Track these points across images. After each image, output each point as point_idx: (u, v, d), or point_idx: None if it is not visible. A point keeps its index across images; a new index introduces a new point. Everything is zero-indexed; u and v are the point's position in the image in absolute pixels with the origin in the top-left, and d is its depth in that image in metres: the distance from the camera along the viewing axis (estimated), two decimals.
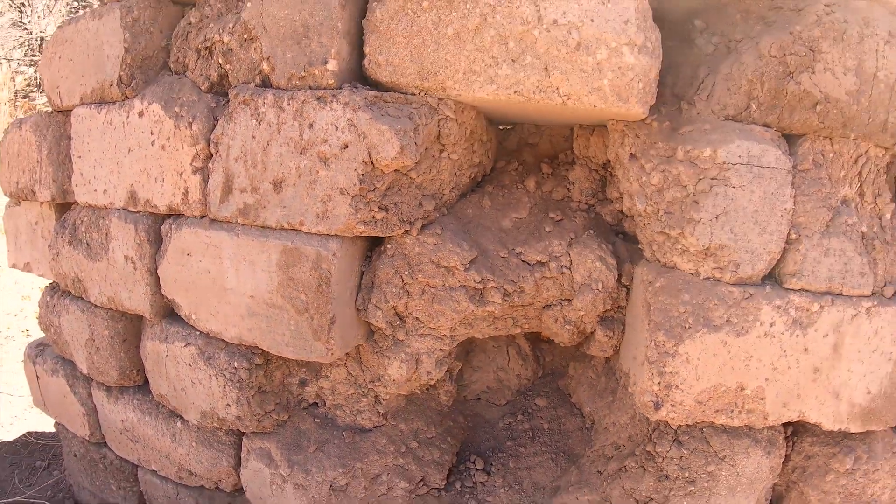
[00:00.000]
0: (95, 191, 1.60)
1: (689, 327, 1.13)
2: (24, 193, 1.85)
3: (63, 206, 1.81)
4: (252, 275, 1.25)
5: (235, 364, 1.31)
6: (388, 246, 1.23)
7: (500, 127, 1.56)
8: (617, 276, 1.30)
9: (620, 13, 0.96)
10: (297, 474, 1.35)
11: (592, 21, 1.00)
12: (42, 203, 1.85)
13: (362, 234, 1.17)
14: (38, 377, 1.92)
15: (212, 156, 1.33)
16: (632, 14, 0.96)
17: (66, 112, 1.72)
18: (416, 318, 1.27)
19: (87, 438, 1.79)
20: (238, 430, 1.41)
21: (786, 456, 1.36)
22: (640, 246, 1.28)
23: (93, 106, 1.59)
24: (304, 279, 1.18)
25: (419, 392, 1.46)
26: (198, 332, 1.40)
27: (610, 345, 1.37)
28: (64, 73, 1.68)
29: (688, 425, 1.30)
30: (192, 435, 1.48)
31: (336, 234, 1.17)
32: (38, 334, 3.56)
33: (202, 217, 1.36)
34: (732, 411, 1.24)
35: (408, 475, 1.40)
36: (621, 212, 1.37)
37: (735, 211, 1.09)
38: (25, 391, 2.98)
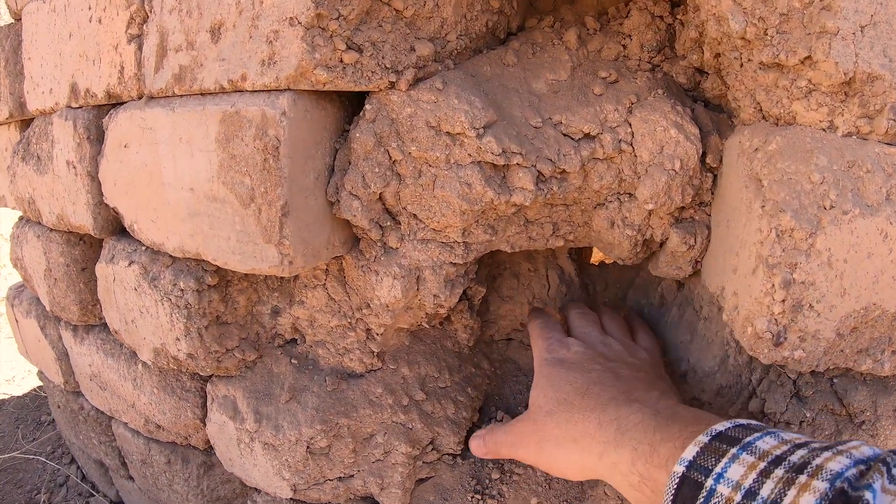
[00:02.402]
0: (43, 93, 1.33)
1: (833, 206, 0.70)
2: None
3: (28, 124, 1.57)
4: (190, 159, 0.93)
5: (182, 285, 1.00)
6: (368, 107, 0.87)
7: None
8: (700, 154, 0.88)
9: None
10: (266, 431, 1.04)
11: None
12: (10, 125, 1.63)
13: (327, 88, 0.81)
14: (17, 321, 1.72)
15: (147, 17, 1.02)
16: None
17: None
18: (413, 216, 0.91)
19: (63, 386, 1.57)
20: (196, 372, 1.11)
21: None
22: (732, 107, 0.86)
23: None
24: (248, 155, 0.84)
25: (427, 326, 1.11)
26: (144, 248, 1.10)
27: (688, 257, 0.96)
28: None
29: (812, 372, 0.89)
30: (154, 379, 1.21)
31: (288, 88, 0.82)
32: None
33: (140, 98, 1.06)
34: (883, 351, 0.80)
35: (411, 436, 1.06)
36: (698, 70, 0.95)
37: (889, 21, 0.67)
38: None
